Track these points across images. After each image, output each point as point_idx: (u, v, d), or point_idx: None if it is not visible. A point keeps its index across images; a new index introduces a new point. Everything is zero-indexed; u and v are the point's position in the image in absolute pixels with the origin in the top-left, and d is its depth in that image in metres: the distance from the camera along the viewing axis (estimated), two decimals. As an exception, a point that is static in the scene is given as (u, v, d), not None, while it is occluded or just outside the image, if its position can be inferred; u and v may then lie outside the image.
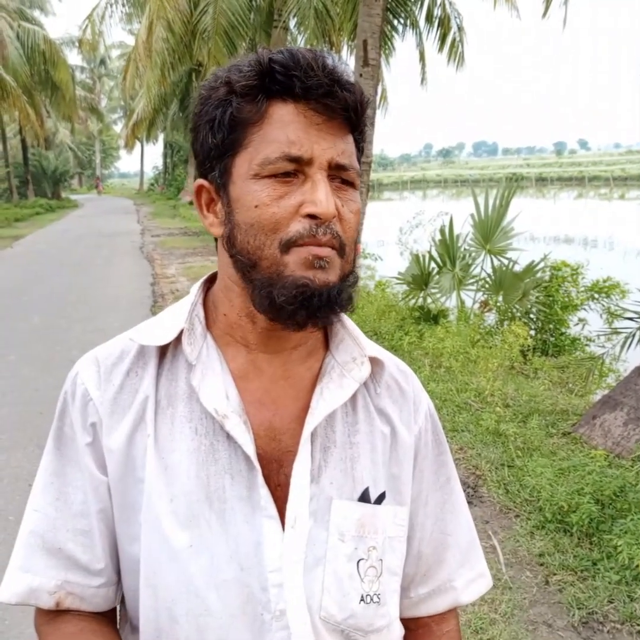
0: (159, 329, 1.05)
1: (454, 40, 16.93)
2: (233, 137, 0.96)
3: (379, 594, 1.04)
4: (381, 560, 1.05)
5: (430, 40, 16.99)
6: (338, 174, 0.96)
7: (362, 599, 1.02)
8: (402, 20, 16.43)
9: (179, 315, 1.05)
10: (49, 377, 7.55)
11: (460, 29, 16.85)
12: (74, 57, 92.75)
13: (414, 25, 17.12)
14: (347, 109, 0.95)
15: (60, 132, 56.43)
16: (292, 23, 18.83)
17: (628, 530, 3.82)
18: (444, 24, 16.60)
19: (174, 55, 19.82)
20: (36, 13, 43.24)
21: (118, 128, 74.39)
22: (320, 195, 0.92)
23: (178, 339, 1.03)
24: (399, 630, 1.12)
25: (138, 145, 57.67)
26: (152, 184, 64.57)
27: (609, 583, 3.59)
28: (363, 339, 1.10)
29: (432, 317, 8.66)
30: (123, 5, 27.06)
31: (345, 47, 18.58)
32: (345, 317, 1.10)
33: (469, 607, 3.41)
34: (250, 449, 0.98)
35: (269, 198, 0.93)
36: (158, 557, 0.97)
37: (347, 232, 0.97)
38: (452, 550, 1.18)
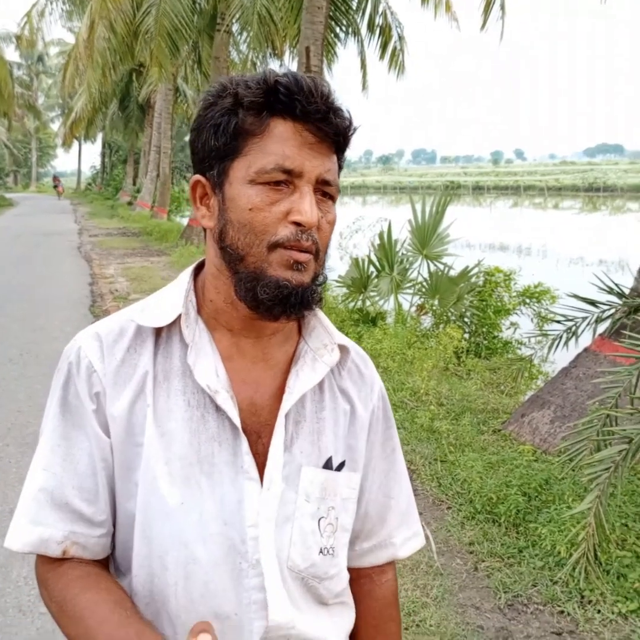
0: (157, 312, 1.17)
1: (394, 48, 17.17)
2: (235, 144, 1.09)
3: (333, 548, 1.22)
4: (337, 518, 1.22)
5: (372, 48, 17.20)
6: (322, 188, 1.10)
7: (320, 551, 1.19)
8: (344, 28, 16.62)
9: (174, 299, 1.18)
10: (-12, 375, 7.54)
11: (401, 38, 17.10)
12: (11, 53, 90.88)
13: (356, 33, 17.33)
14: (337, 134, 1.10)
15: (-5, 129, 55.29)
16: (235, 27, 18.92)
17: (551, 519, 4.05)
18: (385, 33, 16.84)
19: (115, 55, 19.68)
20: (-28, 7, 42.30)
21: (55, 126, 73.11)
22: (306, 206, 1.06)
23: (173, 321, 1.16)
24: (346, 578, 1.29)
25: (76, 144, 56.87)
26: (89, 184, 63.72)
27: (534, 568, 3.81)
28: (332, 328, 1.26)
29: (371, 320, 8.85)
30: (63, 2, 26.80)
31: (287, 52, 18.76)
32: (316, 308, 1.24)
33: (402, 591, 3.58)
34: (237, 421, 1.12)
35: (262, 203, 1.06)
36: (153, 512, 1.11)
37: (322, 240, 1.11)
38: (393, 512, 1.36)
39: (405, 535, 1.38)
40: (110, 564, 1.23)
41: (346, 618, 1.30)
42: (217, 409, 1.13)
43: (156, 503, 1.11)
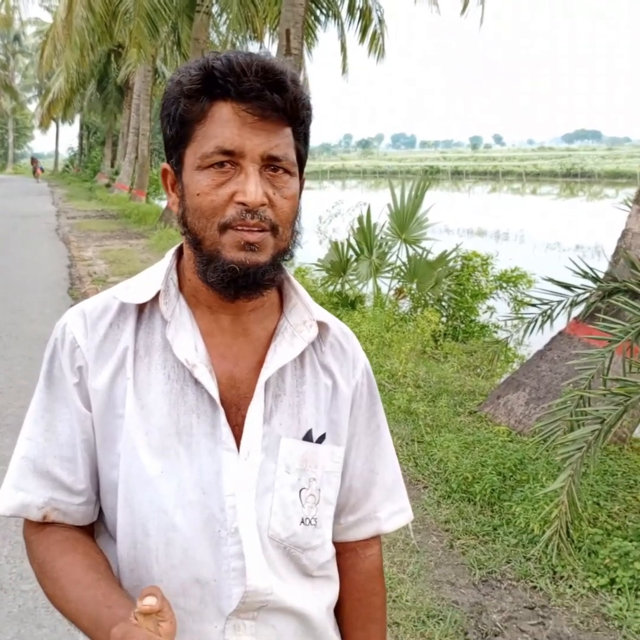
0: (138, 289, 1.21)
1: (374, 32, 17.17)
2: (183, 132, 1.12)
3: (316, 518, 1.24)
4: (319, 490, 1.25)
5: (352, 32, 17.19)
6: (272, 164, 1.10)
7: (302, 521, 1.22)
8: (324, 11, 16.62)
9: (156, 277, 1.21)
10: (-34, 356, 7.52)
11: (381, 21, 17.10)
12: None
13: (337, 16, 17.31)
14: (278, 109, 1.08)
15: (-29, 109, 54.61)
16: (215, 8, 18.82)
17: (525, 497, 4.14)
18: (365, 16, 16.83)
19: (94, 35, 19.49)
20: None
21: (32, 107, 72.26)
22: (249, 186, 1.07)
23: (155, 299, 1.19)
24: (330, 551, 1.32)
25: (53, 125, 56.34)
26: (67, 166, 63.08)
27: (508, 546, 3.91)
28: (312, 305, 1.28)
29: (350, 303, 8.92)
30: (40, -19, 26.43)
31: (267, 34, 18.70)
32: (297, 285, 1.28)
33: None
34: (215, 393, 1.16)
35: (208, 187, 1.09)
36: (135, 481, 1.15)
37: (280, 216, 1.12)
38: (378, 487, 1.38)
39: (390, 510, 1.40)
40: (101, 531, 1.28)
41: (328, 592, 1.33)
42: (196, 382, 1.16)
43: (137, 472, 1.15)
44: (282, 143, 1.11)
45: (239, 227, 1.09)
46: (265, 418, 1.20)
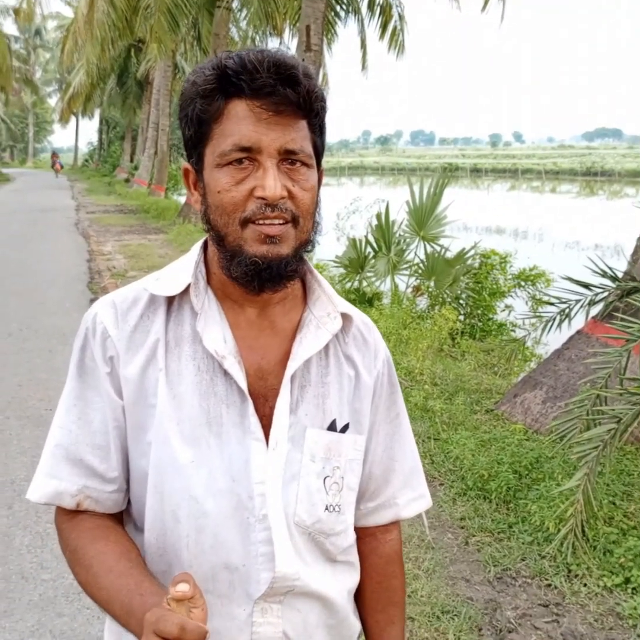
0: (169, 282, 1.24)
1: (394, 28, 17.13)
2: (201, 132, 1.14)
3: (339, 505, 1.28)
4: (342, 477, 1.28)
5: (372, 28, 17.16)
6: (289, 157, 1.12)
7: (326, 508, 1.25)
8: (345, 7, 16.60)
9: (186, 270, 1.24)
10: (-13, 348, 7.62)
11: (401, 17, 17.05)
12: (8, 26, 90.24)
13: (357, 12, 17.29)
14: (292, 103, 1.10)
15: (-8, 103, 54.97)
16: (235, 4, 18.85)
17: (541, 496, 4.15)
18: (386, 12, 16.79)
19: (114, 30, 19.57)
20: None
21: (53, 101, 72.71)
22: (268, 181, 1.09)
23: (185, 291, 1.22)
24: (352, 536, 1.36)
25: (73, 119, 56.57)
26: (86, 160, 63.44)
27: (523, 543, 3.92)
28: (336, 297, 1.31)
29: (367, 300, 8.93)
30: (62, -24, 26.54)
31: (287, 30, 18.70)
32: (320, 277, 1.31)
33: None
34: (243, 384, 1.19)
35: (228, 184, 1.11)
36: (166, 469, 1.18)
37: (300, 207, 1.14)
38: (397, 473, 1.41)
39: (409, 496, 1.43)
40: (127, 520, 1.31)
41: (349, 577, 1.37)
42: (225, 373, 1.19)
43: (168, 460, 1.18)
44: (298, 136, 1.13)
45: (260, 221, 1.11)
46: (292, 409, 1.23)
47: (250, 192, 1.11)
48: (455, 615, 3.36)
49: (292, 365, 1.23)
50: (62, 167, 53.15)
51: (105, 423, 1.21)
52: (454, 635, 3.21)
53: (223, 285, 1.23)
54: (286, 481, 1.21)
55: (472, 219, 23.73)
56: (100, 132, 54.63)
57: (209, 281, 1.25)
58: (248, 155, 1.11)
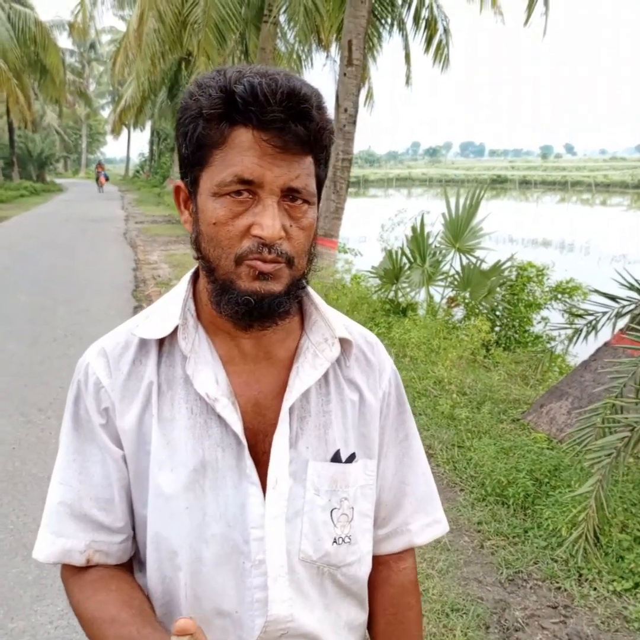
0: (156, 323, 1.19)
1: (440, 42, 17.21)
2: (200, 154, 1.07)
3: (349, 536, 1.23)
4: (352, 508, 1.24)
5: (417, 42, 17.28)
6: (291, 194, 1.07)
7: (334, 541, 1.21)
8: (388, 21, 16.77)
9: (173, 309, 1.20)
10: (35, 354, 7.95)
11: (446, 31, 17.13)
12: (63, 41, 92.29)
13: (401, 26, 17.45)
14: (300, 140, 1.04)
15: (47, 115, 56.36)
16: (282, 18, 19.14)
17: (556, 501, 4.24)
18: (431, 26, 16.89)
19: (164, 44, 20.01)
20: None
21: (105, 113, 74.19)
22: (267, 220, 1.04)
23: (175, 331, 1.18)
24: (368, 565, 1.31)
25: (125, 131, 57.61)
26: (137, 171, 64.52)
27: (536, 547, 4.01)
28: (334, 320, 1.25)
29: (402, 310, 9.04)
30: (115, -9, 27.21)
31: (334, 44, 18.92)
32: (319, 300, 1.25)
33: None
34: (238, 428, 1.14)
35: (225, 217, 1.05)
36: (161, 516, 1.16)
37: (296, 247, 1.09)
38: (409, 498, 1.35)
39: (423, 522, 1.36)
40: (135, 563, 1.29)
41: (354, 614, 1.31)
42: (219, 415, 1.15)
43: (163, 508, 1.16)
44: (303, 174, 1.07)
45: (255, 259, 1.06)
46: (292, 443, 1.18)
47: (247, 228, 1.06)
48: (465, 613, 3.47)
49: (289, 399, 1.18)
50: (107, 179, 49.05)
51: (107, 475, 1.19)
52: (462, 631, 3.32)
53: (214, 318, 1.18)
54: (289, 518, 1.18)
55: (519, 231, 23.65)
56: (151, 143, 55.48)
57: (199, 315, 1.21)
58: (248, 188, 1.05)
